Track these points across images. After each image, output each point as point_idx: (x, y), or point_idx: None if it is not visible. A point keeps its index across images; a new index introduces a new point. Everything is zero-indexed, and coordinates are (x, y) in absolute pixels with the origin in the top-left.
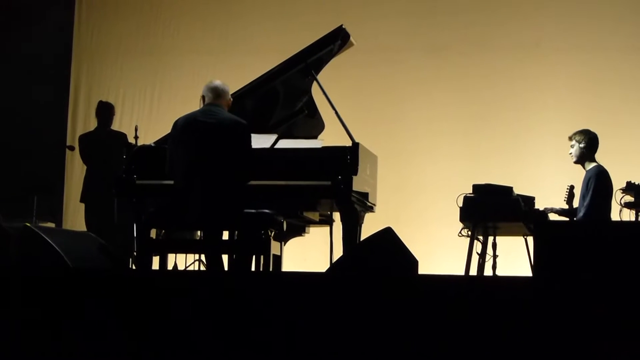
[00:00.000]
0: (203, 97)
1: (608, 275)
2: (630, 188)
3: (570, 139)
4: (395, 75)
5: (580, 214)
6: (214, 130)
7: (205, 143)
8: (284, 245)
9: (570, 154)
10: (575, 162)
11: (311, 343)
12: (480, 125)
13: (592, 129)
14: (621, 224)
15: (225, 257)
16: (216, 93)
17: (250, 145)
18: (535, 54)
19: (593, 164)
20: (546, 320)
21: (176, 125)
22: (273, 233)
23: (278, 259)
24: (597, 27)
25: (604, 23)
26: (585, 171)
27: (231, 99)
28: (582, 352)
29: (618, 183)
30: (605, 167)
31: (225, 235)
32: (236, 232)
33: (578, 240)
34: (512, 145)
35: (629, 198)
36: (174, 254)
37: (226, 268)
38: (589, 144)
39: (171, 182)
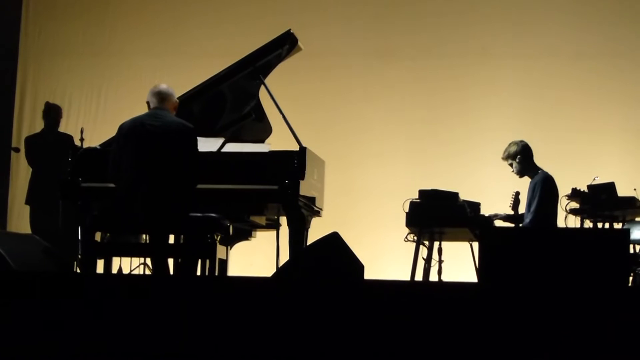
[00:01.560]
0: (148, 103)
1: (553, 281)
2: (575, 195)
3: (505, 159)
4: (343, 79)
5: (527, 220)
6: (160, 134)
7: (151, 147)
8: (230, 249)
9: (513, 171)
10: (521, 176)
11: (256, 347)
12: (427, 130)
13: (536, 135)
14: (566, 230)
15: (170, 261)
16: (160, 97)
17: (197, 149)
18: (481, 60)
19: (538, 172)
20: (491, 326)
21: (121, 129)
22: (219, 237)
23: (224, 263)
24: (543, 34)
25: (550, 29)
26: (531, 179)
27: (177, 102)
28: (526, 357)
29: (563, 188)
30: (551, 172)
31: (172, 239)
32: (182, 236)
33: (523, 246)
34: (458, 151)
35: (574, 204)
36: (119, 258)
37: (172, 272)
38: (523, 155)
39: None
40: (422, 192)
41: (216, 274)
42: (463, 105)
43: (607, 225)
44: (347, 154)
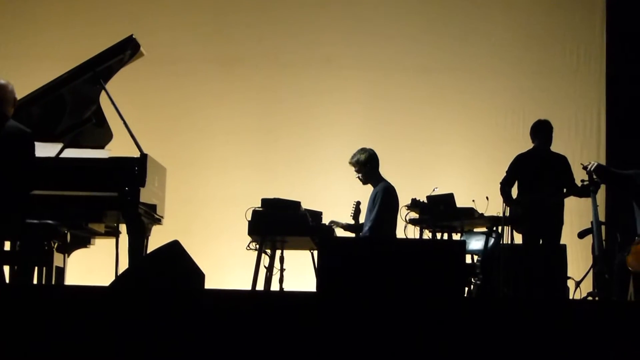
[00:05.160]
0: None
1: (390, 291)
2: (415, 205)
3: (353, 164)
4: (188, 86)
5: (365, 229)
6: None
7: None
8: (68, 257)
9: (358, 177)
10: (365, 184)
11: (92, 357)
12: (270, 138)
13: (380, 145)
14: (404, 241)
15: (7, 269)
16: None
17: (34, 154)
18: (326, 69)
19: (380, 182)
20: (328, 334)
21: None
22: (56, 244)
23: (61, 271)
24: (388, 46)
25: (395, 42)
26: (374, 187)
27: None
28: None
29: (405, 198)
30: (394, 182)
31: (8, 246)
32: (18, 242)
33: (361, 256)
34: (301, 159)
35: (414, 214)
36: None
37: (7, 280)
38: (370, 163)
39: None
40: (264, 201)
41: (53, 282)
42: (307, 114)
43: (445, 236)
44: (190, 162)
